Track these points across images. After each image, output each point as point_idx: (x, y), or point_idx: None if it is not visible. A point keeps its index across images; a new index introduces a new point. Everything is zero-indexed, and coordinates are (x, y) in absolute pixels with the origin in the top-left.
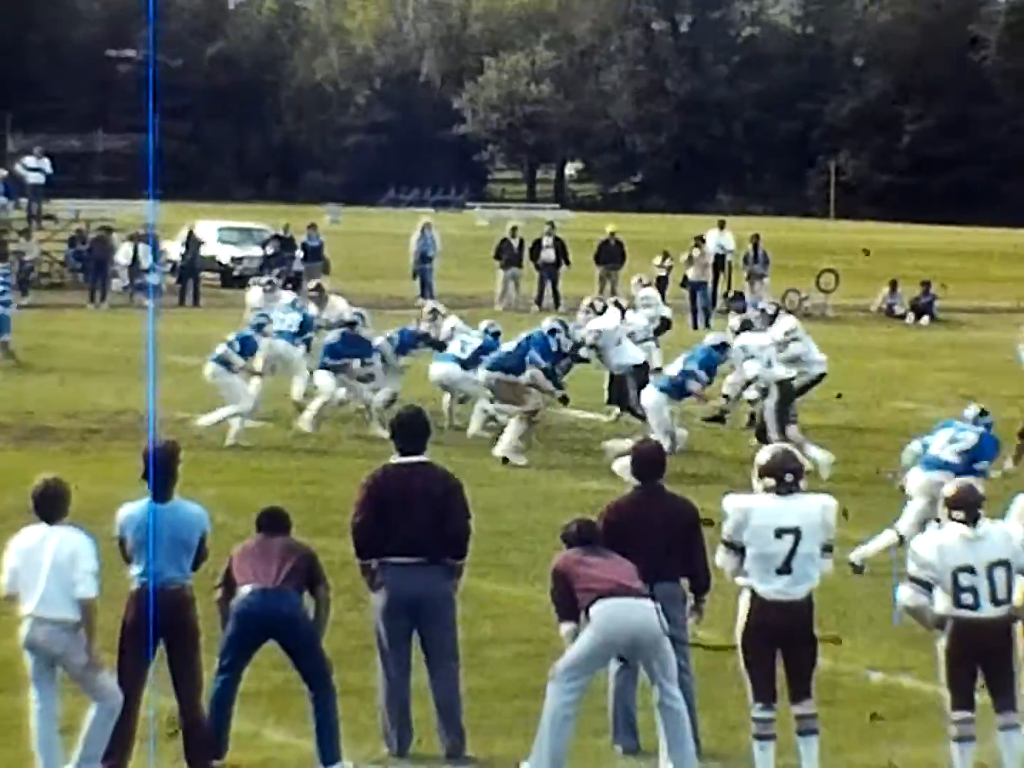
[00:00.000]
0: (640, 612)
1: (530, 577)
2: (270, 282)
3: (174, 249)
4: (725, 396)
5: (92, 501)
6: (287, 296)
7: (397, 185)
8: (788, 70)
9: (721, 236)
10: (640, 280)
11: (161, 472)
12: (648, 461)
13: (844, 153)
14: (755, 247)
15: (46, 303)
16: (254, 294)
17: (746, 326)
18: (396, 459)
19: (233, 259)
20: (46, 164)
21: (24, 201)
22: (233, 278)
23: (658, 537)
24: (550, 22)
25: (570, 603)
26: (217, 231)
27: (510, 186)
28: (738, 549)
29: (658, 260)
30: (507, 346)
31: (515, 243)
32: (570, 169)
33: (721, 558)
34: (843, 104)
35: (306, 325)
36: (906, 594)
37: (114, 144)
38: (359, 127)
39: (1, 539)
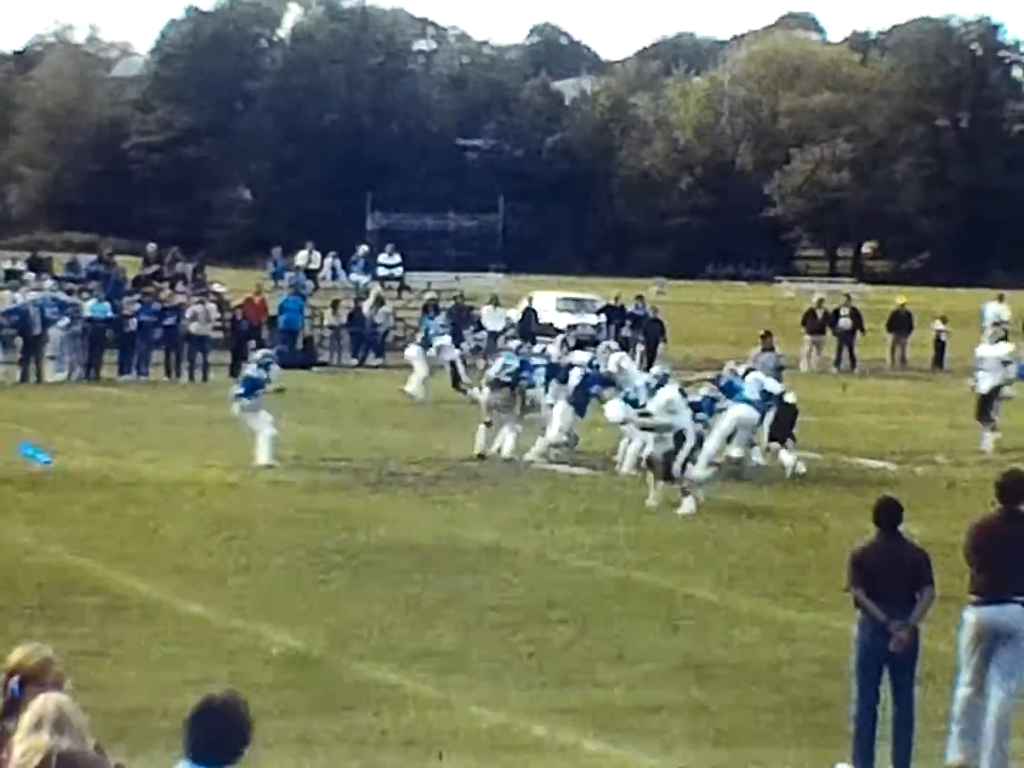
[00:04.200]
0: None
1: (822, 605)
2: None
3: (516, 317)
4: None
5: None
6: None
7: (715, 261)
8: None
9: (999, 307)
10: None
11: None
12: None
13: None
14: None
15: (399, 364)
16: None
17: None
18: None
19: (569, 326)
20: (397, 259)
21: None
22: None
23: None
24: (849, 118)
25: None
26: (556, 300)
27: (813, 262)
28: None
29: (938, 325)
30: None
31: (820, 313)
32: (866, 247)
33: None
34: None
35: None
36: None
37: (464, 223)
38: (681, 210)
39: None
